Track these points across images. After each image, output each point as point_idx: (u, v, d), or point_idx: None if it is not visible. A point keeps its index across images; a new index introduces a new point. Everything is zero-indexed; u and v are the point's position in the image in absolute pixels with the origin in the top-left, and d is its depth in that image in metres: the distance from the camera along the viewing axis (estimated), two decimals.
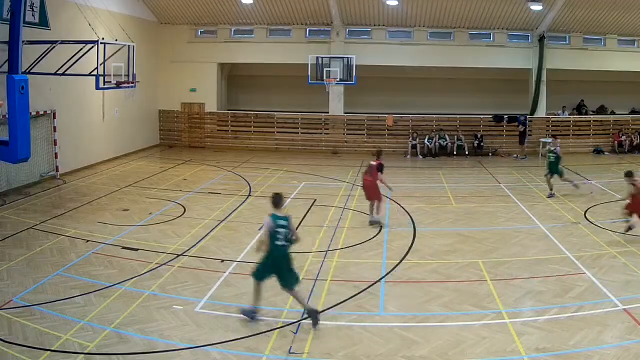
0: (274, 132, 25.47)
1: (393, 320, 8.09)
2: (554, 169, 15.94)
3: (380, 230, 12.50)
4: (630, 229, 11.73)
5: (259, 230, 12.43)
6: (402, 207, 14.57)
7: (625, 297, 8.63)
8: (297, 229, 12.41)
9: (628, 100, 26.73)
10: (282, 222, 7.74)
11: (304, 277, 9.63)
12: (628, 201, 11.94)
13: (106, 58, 15.29)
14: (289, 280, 7.84)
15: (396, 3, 22.48)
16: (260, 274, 7.92)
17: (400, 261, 10.51)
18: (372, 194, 12.97)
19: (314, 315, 7.78)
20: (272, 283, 9.43)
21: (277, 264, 7.78)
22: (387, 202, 15.31)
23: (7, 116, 9.90)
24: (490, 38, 24.68)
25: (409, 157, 24.00)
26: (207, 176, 18.93)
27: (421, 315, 8.26)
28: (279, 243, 7.70)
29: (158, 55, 24.87)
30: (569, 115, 25.79)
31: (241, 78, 27.26)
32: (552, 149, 16.10)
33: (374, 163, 13.10)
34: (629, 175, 12.08)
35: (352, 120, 25.16)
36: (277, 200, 7.93)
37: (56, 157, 17.90)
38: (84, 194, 15.78)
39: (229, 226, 12.89)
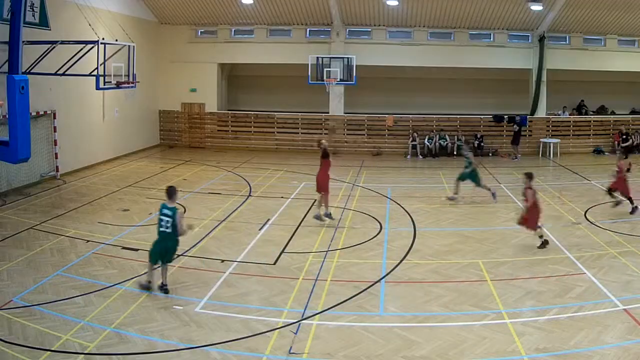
0: (274, 132, 25.47)
1: (393, 320, 8.09)
2: (465, 173, 15.39)
3: (381, 231, 12.49)
4: (544, 244, 11.09)
5: (259, 229, 12.46)
6: (402, 207, 14.57)
7: (625, 297, 8.63)
8: (296, 229, 12.56)
9: (628, 100, 26.72)
10: (167, 212, 8.86)
11: (304, 277, 9.66)
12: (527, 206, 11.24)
13: (106, 58, 15.27)
14: (166, 257, 9.06)
15: (396, 3, 22.48)
16: (152, 257, 9.03)
17: (400, 261, 10.51)
18: (320, 185, 12.94)
19: (164, 288, 8.94)
20: (271, 284, 9.45)
21: (159, 245, 8.98)
22: (387, 202, 15.32)
23: (7, 116, 9.90)
24: (490, 38, 24.67)
25: (409, 157, 23.99)
26: (207, 176, 18.93)
27: (421, 315, 8.26)
28: (161, 229, 8.89)
29: (158, 55, 24.86)
30: (569, 115, 25.79)
31: (241, 78, 27.25)
32: (465, 154, 15.84)
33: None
34: (529, 177, 11.31)
35: (352, 120, 25.16)
36: (169, 192, 9.12)
37: (56, 157, 17.90)
38: (84, 194, 15.78)
39: (229, 226, 12.88)
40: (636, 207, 13.60)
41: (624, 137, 21.22)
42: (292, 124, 25.40)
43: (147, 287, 8.96)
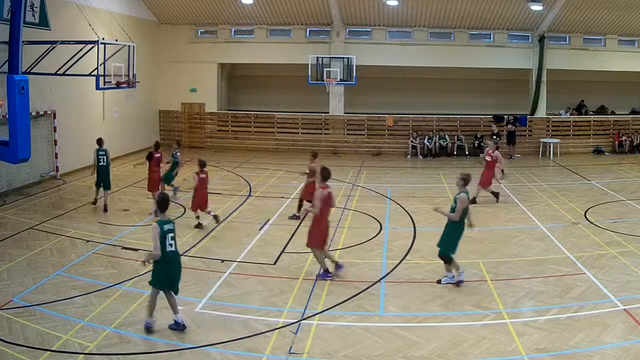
0: (274, 132, 25.47)
1: (393, 320, 8.09)
2: (167, 175, 15.22)
3: (381, 231, 12.49)
4: (200, 225, 12.45)
5: (259, 229, 12.45)
6: (402, 207, 14.57)
7: (625, 297, 8.63)
8: (296, 229, 12.56)
9: (628, 100, 26.74)
10: (102, 153, 14.05)
11: (304, 277, 9.66)
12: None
13: (106, 58, 15.28)
14: (105, 182, 14.34)
15: (396, 3, 22.48)
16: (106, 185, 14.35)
17: (400, 261, 10.51)
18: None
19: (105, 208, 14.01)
20: (271, 284, 9.44)
21: (103, 175, 14.21)
22: (387, 202, 15.31)
23: (7, 116, 9.89)
24: (490, 38, 24.68)
25: (409, 157, 24.00)
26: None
27: (421, 315, 8.26)
28: (100, 164, 14.12)
29: (158, 55, 24.86)
30: (570, 115, 25.80)
31: (241, 78, 27.26)
32: (174, 152, 15.60)
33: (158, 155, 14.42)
34: (202, 165, 12.63)
35: (352, 120, 25.16)
36: (99, 141, 14.30)
37: (56, 157, 17.90)
38: (83, 194, 15.78)
39: (229, 226, 12.89)
40: (297, 215, 13.20)
41: (479, 138, 19.91)
42: (292, 124, 25.41)
43: (105, 209, 13.80)
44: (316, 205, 9.41)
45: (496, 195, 15.20)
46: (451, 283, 9.32)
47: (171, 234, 7.58)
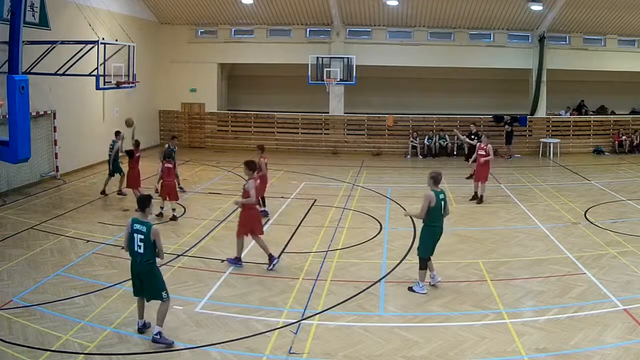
0: (274, 132, 25.46)
1: (393, 320, 8.09)
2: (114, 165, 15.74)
3: (381, 231, 12.49)
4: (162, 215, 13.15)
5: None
6: (402, 207, 14.56)
7: (625, 297, 8.63)
8: (296, 229, 12.54)
9: (628, 100, 26.74)
10: (111, 145, 15.25)
11: (304, 277, 9.66)
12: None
13: (106, 58, 15.28)
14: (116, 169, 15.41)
15: (396, 3, 22.48)
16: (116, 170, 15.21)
17: (400, 261, 10.50)
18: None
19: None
20: (271, 284, 9.44)
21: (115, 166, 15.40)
22: (387, 202, 15.31)
23: (7, 116, 9.89)
24: (490, 38, 24.68)
25: (409, 157, 24.00)
26: (207, 176, 18.92)
27: (421, 315, 8.25)
28: (111, 155, 15.36)
29: (158, 55, 24.84)
30: (570, 115, 25.80)
31: (241, 78, 27.25)
32: (174, 147, 15.90)
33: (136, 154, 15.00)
34: (167, 155, 13.45)
35: (352, 120, 25.16)
36: (116, 132, 15.54)
37: (56, 157, 17.89)
38: (84, 194, 15.78)
39: (229, 226, 12.86)
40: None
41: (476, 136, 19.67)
42: (292, 124, 25.40)
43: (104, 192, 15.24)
44: (252, 194, 10.10)
45: (476, 196, 15.31)
46: (431, 283, 9.21)
47: (140, 236, 7.21)
